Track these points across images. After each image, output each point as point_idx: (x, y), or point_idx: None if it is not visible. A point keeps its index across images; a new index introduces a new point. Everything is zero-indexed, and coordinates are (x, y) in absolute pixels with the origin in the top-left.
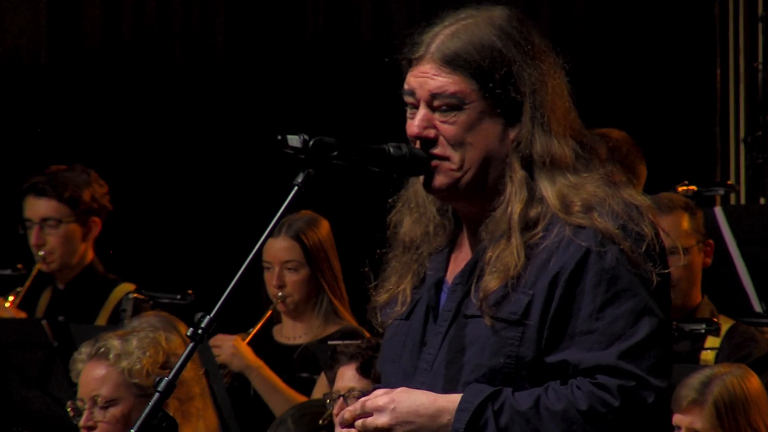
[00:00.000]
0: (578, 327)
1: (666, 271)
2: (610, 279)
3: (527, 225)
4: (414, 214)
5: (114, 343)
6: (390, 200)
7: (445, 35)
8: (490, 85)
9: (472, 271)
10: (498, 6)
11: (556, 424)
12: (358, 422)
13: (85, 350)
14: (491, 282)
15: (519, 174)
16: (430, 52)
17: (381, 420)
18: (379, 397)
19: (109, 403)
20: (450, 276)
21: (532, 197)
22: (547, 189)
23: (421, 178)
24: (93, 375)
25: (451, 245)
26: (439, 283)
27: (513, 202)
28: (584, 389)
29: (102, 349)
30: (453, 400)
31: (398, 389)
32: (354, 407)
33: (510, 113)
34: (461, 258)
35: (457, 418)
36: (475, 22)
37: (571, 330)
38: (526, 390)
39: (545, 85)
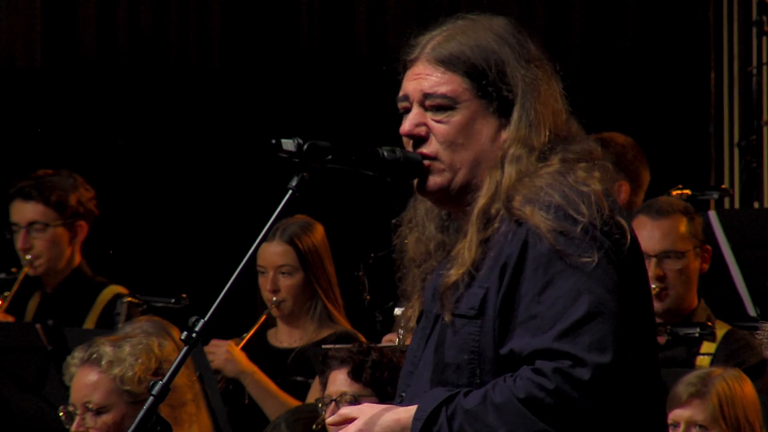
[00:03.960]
0: (522, 314)
1: (606, 247)
2: (546, 263)
3: (488, 221)
4: (415, 232)
5: (106, 349)
6: (394, 221)
7: (441, 37)
8: (483, 82)
9: None
10: (499, 16)
11: (499, 417)
12: None
13: (78, 355)
14: (450, 277)
15: (496, 171)
16: (425, 53)
17: None
18: (346, 429)
19: (101, 409)
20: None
21: (496, 194)
22: (501, 184)
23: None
24: (85, 381)
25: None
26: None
27: (480, 198)
28: (524, 377)
29: (94, 355)
30: (412, 411)
31: (362, 413)
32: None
33: (503, 112)
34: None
35: (413, 427)
36: (473, 26)
37: (518, 318)
38: (480, 389)
39: (537, 89)
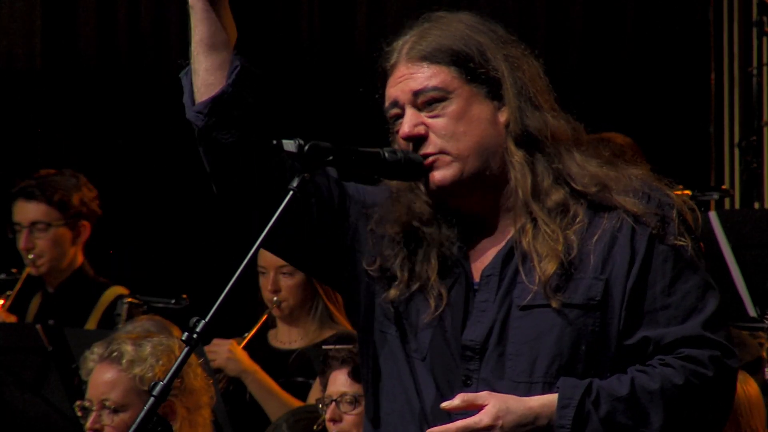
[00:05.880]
0: (653, 304)
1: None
2: (675, 255)
3: (555, 208)
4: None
5: (128, 348)
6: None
7: (416, 37)
8: (471, 65)
9: (507, 261)
10: (463, 12)
11: (657, 404)
12: None
13: (97, 350)
14: (548, 266)
15: (517, 155)
16: (404, 55)
17: None
18: (482, 416)
19: (118, 408)
20: (475, 273)
21: (541, 179)
22: (571, 169)
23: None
24: (104, 378)
25: (464, 249)
26: (469, 279)
27: (521, 184)
28: (675, 365)
29: (115, 353)
30: (545, 401)
31: (491, 401)
32: (453, 427)
33: (495, 93)
34: (479, 256)
35: (561, 415)
36: (443, 21)
37: (647, 308)
38: (610, 377)
39: (521, 67)
